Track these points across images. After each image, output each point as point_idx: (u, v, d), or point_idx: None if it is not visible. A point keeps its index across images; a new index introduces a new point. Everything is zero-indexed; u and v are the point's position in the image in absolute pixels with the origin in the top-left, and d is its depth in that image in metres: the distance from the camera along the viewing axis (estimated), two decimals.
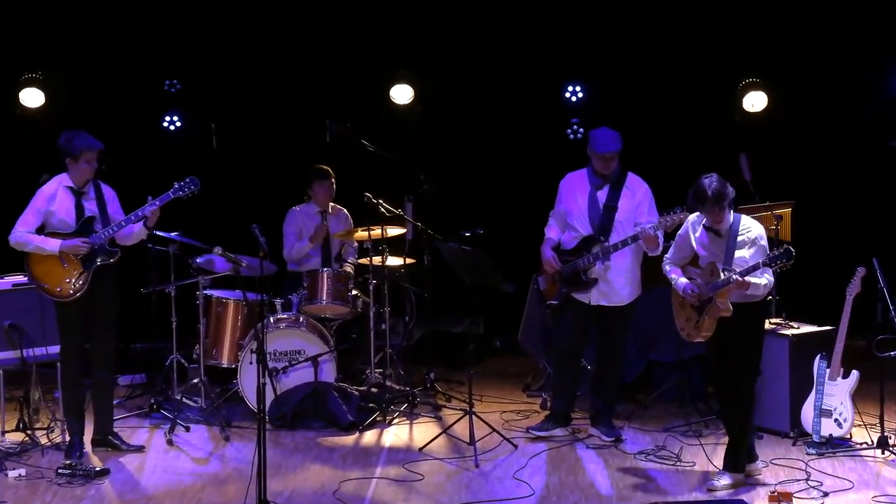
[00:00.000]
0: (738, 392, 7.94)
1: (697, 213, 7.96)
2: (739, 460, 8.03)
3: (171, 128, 11.49)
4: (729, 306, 7.71)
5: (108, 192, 8.68)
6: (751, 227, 7.82)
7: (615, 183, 8.87)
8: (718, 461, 8.33)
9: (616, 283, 8.84)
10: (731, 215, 7.81)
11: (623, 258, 8.81)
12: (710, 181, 7.70)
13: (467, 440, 8.79)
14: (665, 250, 8.43)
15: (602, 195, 8.87)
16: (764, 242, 7.82)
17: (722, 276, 7.66)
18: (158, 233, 9.32)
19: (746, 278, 7.58)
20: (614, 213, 8.82)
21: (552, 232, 9.06)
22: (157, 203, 8.52)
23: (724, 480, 7.98)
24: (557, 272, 8.88)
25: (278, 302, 9.85)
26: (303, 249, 10.30)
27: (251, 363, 9.23)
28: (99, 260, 8.49)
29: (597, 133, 8.89)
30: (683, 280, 7.96)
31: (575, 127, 11.77)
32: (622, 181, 8.89)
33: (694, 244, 7.95)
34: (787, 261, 7.52)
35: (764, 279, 7.67)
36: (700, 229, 7.91)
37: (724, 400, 8.14)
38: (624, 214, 8.82)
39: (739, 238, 7.77)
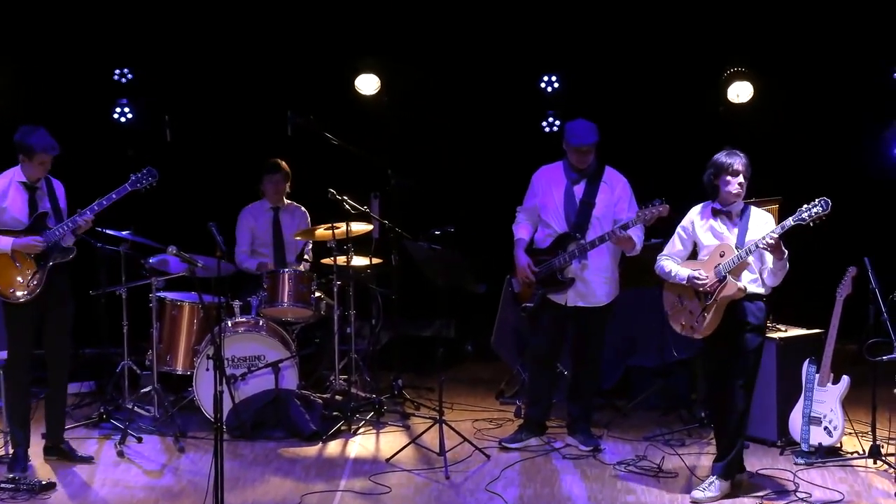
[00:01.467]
0: (739, 392, 7.96)
1: (703, 204, 7.98)
2: (732, 466, 8.04)
3: (122, 120, 11.45)
4: (743, 285, 7.75)
5: (59, 188, 8.64)
6: (762, 214, 7.97)
7: (592, 177, 8.88)
8: (702, 472, 8.34)
9: (593, 283, 8.85)
10: (742, 201, 7.90)
11: (601, 256, 8.81)
12: (731, 152, 7.89)
13: (437, 450, 8.79)
14: (652, 249, 8.43)
15: (579, 190, 8.87)
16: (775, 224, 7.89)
17: (735, 253, 7.74)
18: (109, 231, 9.27)
19: (776, 236, 7.59)
20: (591, 209, 8.82)
21: (523, 230, 9.04)
22: (115, 196, 8.50)
23: (710, 492, 7.99)
24: (533, 273, 8.88)
25: (236, 304, 9.81)
26: (249, 269, 10.29)
27: (207, 370, 9.20)
28: (53, 258, 8.44)
29: (572, 125, 8.89)
30: (686, 270, 7.96)
31: (551, 119, 11.78)
32: (599, 175, 8.90)
33: (700, 235, 7.96)
34: (825, 211, 7.55)
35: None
36: (708, 217, 7.94)
37: (719, 403, 8.12)
38: (602, 210, 8.83)
39: (751, 222, 7.85)
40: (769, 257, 7.76)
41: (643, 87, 11.65)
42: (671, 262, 8.08)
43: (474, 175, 11.95)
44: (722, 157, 7.89)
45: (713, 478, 8.04)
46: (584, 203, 8.83)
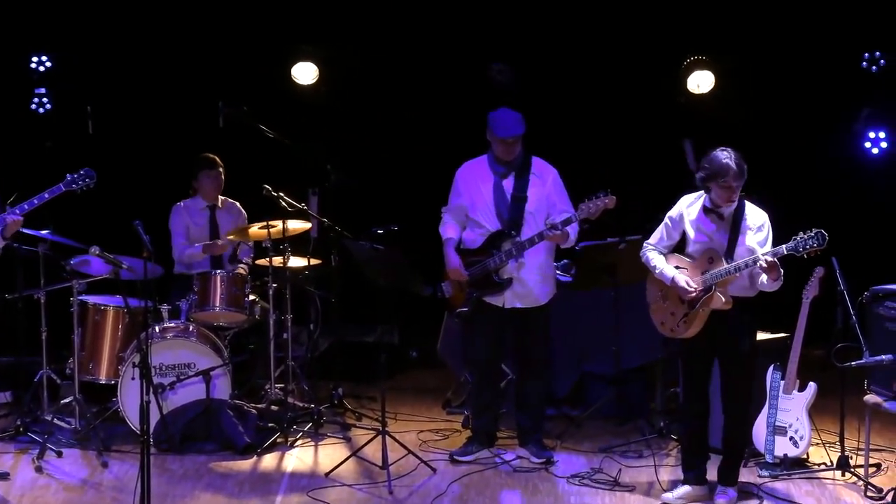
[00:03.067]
0: (738, 396, 8.00)
1: (696, 195, 7.97)
2: (735, 472, 8.13)
3: (40, 110, 11.36)
4: (729, 297, 7.77)
5: None
6: (756, 213, 7.90)
7: (521, 170, 8.88)
8: (662, 485, 8.36)
9: (531, 282, 8.85)
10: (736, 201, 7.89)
11: (537, 254, 8.82)
12: (731, 152, 7.76)
13: (380, 464, 8.76)
14: (606, 248, 8.44)
15: (508, 185, 8.87)
16: (770, 229, 7.86)
17: (724, 265, 7.70)
18: (26, 230, 9.18)
19: (774, 259, 7.58)
20: (524, 203, 8.82)
21: (451, 231, 9.02)
22: (47, 196, 8.48)
23: (679, 490, 8.08)
24: (464, 280, 8.88)
25: (165, 308, 9.75)
26: (194, 256, 10.23)
27: (133, 379, 9.16)
28: None
29: (497, 115, 8.89)
30: (671, 269, 7.95)
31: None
32: (528, 167, 8.90)
33: (689, 229, 7.96)
34: (819, 245, 7.49)
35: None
36: (698, 212, 7.94)
37: (694, 406, 8.13)
38: (535, 205, 8.83)
39: (744, 224, 7.82)
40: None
41: (598, 76, 11.68)
42: (657, 255, 8.06)
43: (419, 170, 11.93)
44: (718, 160, 7.75)
45: (721, 483, 8.11)
46: (516, 198, 8.83)
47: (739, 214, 7.85)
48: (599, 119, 11.75)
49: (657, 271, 8.02)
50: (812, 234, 7.47)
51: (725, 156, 7.74)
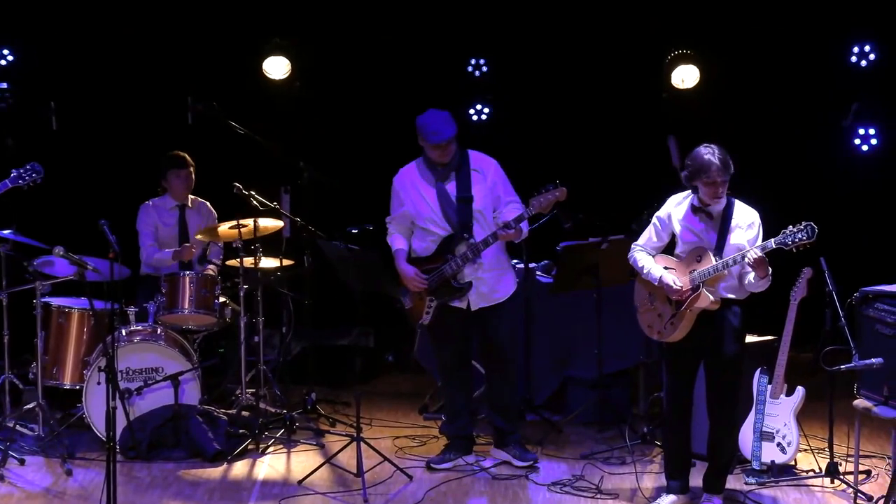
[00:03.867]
0: (724, 401, 8.00)
1: (684, 194, 7.98)
2: (721, 480, 8.13)
3: (2, 105, 11.29)
4: (718, 297, 7.77)
5: None
6: (746, 211, 7.91)
7: (460, 168, 8.86)
8: (644, 492, 8.38)
9: (492, 281, 8.86)
10: (725, 198, 7.87)
11: (489, 251, 8.80)
12: (714, 148, 7.77)
13: (354, 471, 8.75)
14: (589, 249, 8.44)
15: (451, 187, 8.84)
16: (761, 227, 7.86)
17: (713, 262, 7.72)
18: None
19: (762, 254, 7.58)
20: (471, 203, 8.80)
21: (398, 242, 8.99)
22: None
23: (663, 498, 8.10)
24: (424, 288, 8.89)
25: (131, 311, 9.73)
26: (163, 261, 10.21)
27: (99, 383, 9.13)
28: None
29: (425, 120, 8.83)
30: (659, 269, 7.95)
31: (479, 106, 11.79)
32: (466, 164, 8.88)
33: (678, 229, 7.97)
34: (808, 239, 7.49)
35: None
36: (686, 211, 7.94)
37: (677, 411, 8.14)
38: (481, 202, 8.81)
39: (733, 222, 7.83)
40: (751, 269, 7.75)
41: (580, 71, 11.69)
42: (645, 256, 8.07)
43: (395, 168, 11.91)
44: (700, 156, 7.77)
45: (711, 496, 8.12)
46: (462, 199, 8.80)
47: (728, 212, 7.86)
48: (580, 115, 11.75)
49: (645, 272, 8.03)
50: (801, 227, 7.48)
51: (707, 151, 7.76)
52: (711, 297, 7.77)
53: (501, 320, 8.95)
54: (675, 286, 7.84)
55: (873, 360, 8.11)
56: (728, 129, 11.59)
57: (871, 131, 11.72)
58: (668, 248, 8.11)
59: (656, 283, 7.94)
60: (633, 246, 8.18)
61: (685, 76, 11.40)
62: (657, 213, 8.10)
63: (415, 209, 8.89)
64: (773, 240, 7.59)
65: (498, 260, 8.88)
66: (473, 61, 11.86)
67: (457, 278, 8.80)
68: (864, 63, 11.64)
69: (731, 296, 7.87)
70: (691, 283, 7.81)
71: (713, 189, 7.76)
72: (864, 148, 11.76)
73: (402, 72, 11.82)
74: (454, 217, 8.80)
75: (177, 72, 11.51)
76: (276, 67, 11.51)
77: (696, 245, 7.87)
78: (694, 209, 7.91)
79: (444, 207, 8.82)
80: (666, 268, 7.96)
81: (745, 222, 7.86)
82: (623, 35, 11.56)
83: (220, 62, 11.54)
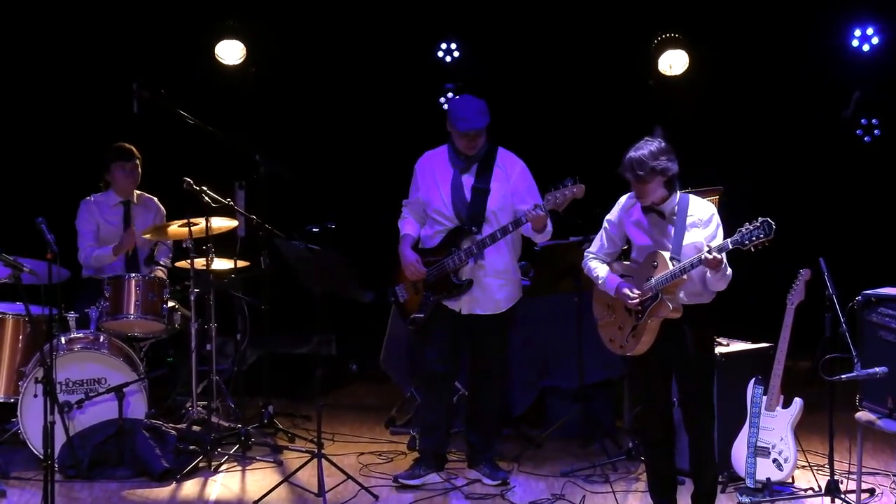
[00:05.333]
0: (699, 415, 7.98)
1: (631, 194, 7.96)
2: (709, 499, 8.10)
3: None
4: (679, 304, 7.74)
5: None
6: (701, 207, 7.87)
7: (484, 162, 8.88)
8: None
9: (491, 287, 8.85)
10: (678, 195, 7.82)
11: (499, 255, 8.81)
12: (641, 144, 7.73)
13: (315, 491, 8.74)
14: (568, 248, 8.43)
15: (469, 178, 8.87)
16: (719, 222, 7.84)
17: (670, 266, 7.68)
18: None
19: (720, 256, 7.55)
20: (486, 198, 8.82)
21: (409, 227, 9.05)
22: None
23: None
24: (422, 278, 8.87)
25: (72, 317, 9.70)
26: (103, 258, 10.18)
27: (36, 396, 9.04)
28: None
29: (457, 105, 8.88)
30: (615, 277, 7.94)
31: (450, 94, 11.79)
32: (492, 159, 8.90)
33: (629, 231, 7.94)
34: (766, 236, 7.48)
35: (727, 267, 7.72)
36: (637, 215, 7.91)
37: (653, 432, 8.13)
38: (498, 201, 8.82)
39: (689, 220, 7.79)
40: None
41: (559, 56, 11.69)
42: (598, 264, 8.05)
43: (360, 161, 11.92)
44: (628, 153, 7.78)
45: None
46: (478, 191, 8.82)
47: (683, 210, 7.83)
48: (559, 104, 11.76)
49: (599, 282, 8.00)
50: (758, 224, 7.47)
51: (633, 148, 7.74)
52: (671, 305, 7.73)
53: (495, 333, 8.96)
54: (632, 295, 7.80)
55: (877, 369, 8.11)
56: (719, 120, 11.62)
57: (875, 121, 11.73)
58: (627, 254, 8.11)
59: (612, 294, 7.90)
60: (585, 254, 8.16)
61: (673, 62, 11.42)
62: (607, 217, 8.08)
63: (427, 196, 8.94)
64: (729, 239, 7.57)
65: (505, 268, 8.88)
66: (444, 45, 11.87)
67: (457, 274, 8.80)
68: (866, 48, 11.66)
69: (693, 301, 7.82)
70: (649, 290, 7.76)
71: (634, 188, 7.74)
72: (867, 139, 11.78)
73: (367, 57, 11.80)
74: (464, 211, 8.82)
75: (120, 55, 11.47)
76: (230, 51, 11.51)
77: (651, 249, 7.83)
78: (644, 209, 7.88)
79: (455, 199, 8.83)
80: (623, 276, 7.93)
81: (702, 219, 7.82)
82: (606, 17, 11.57)
83: (168, 45, 11.52)
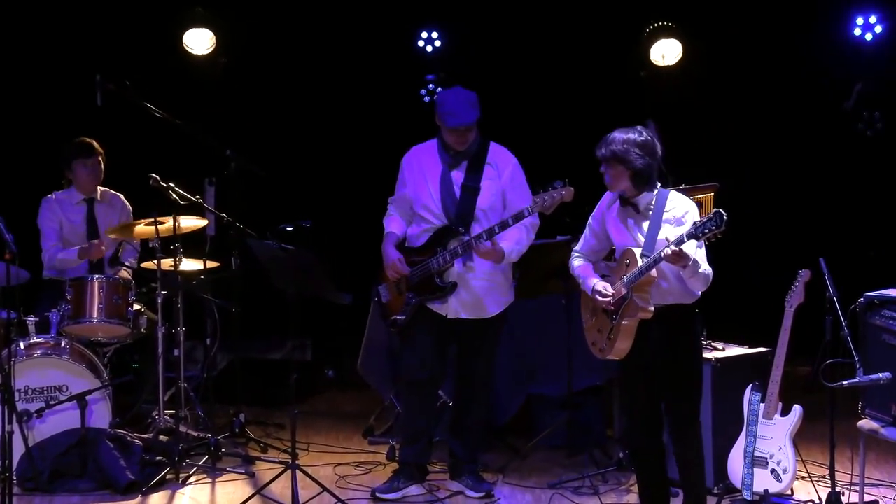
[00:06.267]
0: (683, 423, 7.97)
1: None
2: None
3: None
4: (649, 304, 7.72)
5: None
6: (678, 204, 7.85)
7: (475, 159, 8.87)
8: None
9: (480, 290, 8.84)
10: (656, 191, 7.82)
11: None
12: (626, 129, 7.75)
13: (289, 503, 8.72)
14: (556, 247, 8.43)
15: (458, 175, 8.86)
16: (696, 219, 7.82)
17: (640, 263, 7.67)
18: None
19: (682, 248, 7.53)
20: (475, 196, 8.82)
21: (394, 224, 9.04)
22: None
23: None
24: (405, 278, 8.85)
25: (31, 321, 9.66)
26: (68, 262, 10.17)
27: None
28: None
29: (445, 98, 8.86)
30: (593, 279, 7.95)
31: (431, 86, 11.79)
32: (483, 155, 8.90)
33: (608, 228, 7.93)
34: (718, 227, 7.48)
35: (705, 265, 7.69)
36: (616, 211, 7.91)
37: (642, 440, 8.13)
38: (488, 200, 8.82)
39: (665, 216, 7.78)
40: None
41: (546, 46, 11.69)
42: (582, 263, 8.06)
43: (336, 156, 11.90)
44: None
45: None
46: (466, 190, 8.82)
47: (659, 206, 7.83)
48: (547, 96, 11.76)
49: (580, 281, 8.02)
50: (710, 216, 7.48)
51: (622, 128, 7.79)
52: (641, 304, 7.71)
53: (483, 340, 8.96)
54: (603, 294, 7.79)
55: (880, 375, 8.12)
56: (714, 113, 11.63)
57: (877, 114, 11.74)
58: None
59: (590, 294, 7.91)
60: (572, 252, 8.17)
61: (666, 51, 11.44)
62: (592, 214, 8.10)
63: (414, 192, 8.93)
64: (684, 232, 7.56)
65: (494, 270, 8.86)
66: (425, 34, 11.86)
67: (442, 276, 8.78)
68: (868, 37, 11.67)
69: (673, 301, 7.80)
70: (621, 289, 7.75)
71: (607, 170, 7.76)
72: (869, 133, 11.78)
73: (344, 46, 11.79)
74: (453, 208, 8.81)
75: (83, 45, 11.45)
76: (199, 41, 11.51)
77: (627, 246, 7.83)
78: (622, 203, 7.88)
79: (444, 196, 8.82)
80: (604, 276, 7.93)
81: (677, 215, 7.79)
82: (595, 4, 11.56)
83: (133, 34, 11.50)
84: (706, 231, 7.48)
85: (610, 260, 8.11)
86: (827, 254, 8.54)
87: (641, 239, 7.78)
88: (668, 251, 7.53)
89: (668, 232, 7.74)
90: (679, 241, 7.55)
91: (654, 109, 10.68)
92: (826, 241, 7.77)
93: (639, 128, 7.80)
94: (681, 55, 11.42)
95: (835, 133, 11.88)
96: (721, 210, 7.43)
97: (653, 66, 11.43)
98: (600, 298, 7.80)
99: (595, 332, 7.98)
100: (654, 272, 7.63)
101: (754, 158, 11.52)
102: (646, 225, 7.80)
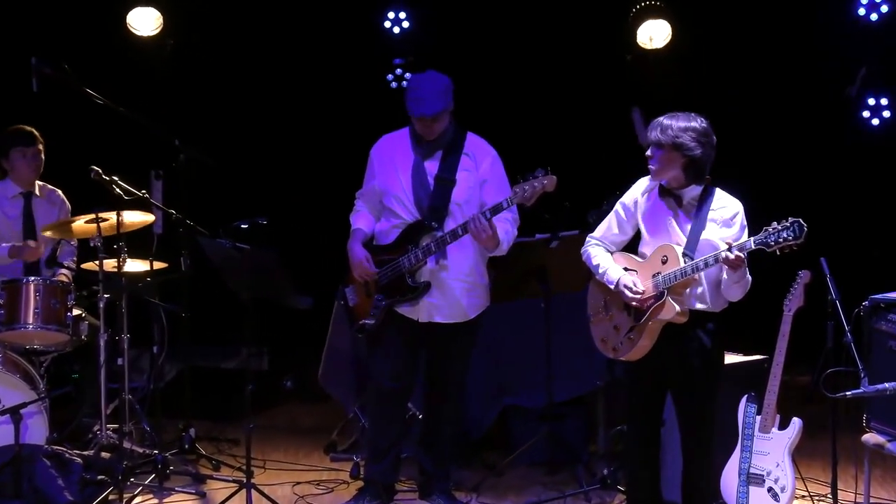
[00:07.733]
0: (698, 437, 8.01)
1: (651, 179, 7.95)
2: None
3: None
4: (686, 308, 7.72)
5: None
6: (727, 203, 7.88)
7: (450, 148, 8.85)
8: None
9: (455, 291, 8.81)
10: (703, 186, 7.82)
11: (465, 256, 8.78)
12: (681, 114, 7.78)
13: None
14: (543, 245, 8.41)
15: (432, 166, 8.84)
16: (744, 223, 7.82)
17: (681, 263, 7.66)
18: None
19: (742, 255, 7.53)
20: (451, 188, 8.78)
21: (362, 220, 9.01)
22: None
23: None
24: (373, 279, 8.83)
25: None
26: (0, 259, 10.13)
27: None
28: None
29: (413, 83, 8.84)
30: (618, 269, 7.92)
31: (399, 71, 11.79)
32: (459, 145, 8.87)
33: (641, 219, 7.92)
34: (795, 239, 7.47)
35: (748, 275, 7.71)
36: (655, 197, 7.88)
37: (641, 450, 8.12)
38: (464, 193, 8.79)
39: (711, 214, 7.77)
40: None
41: (525, 26, 11.69)
42: (601, 252, 8.04)
43: (296, 147, 11.89)
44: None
45: None
46: (441, 181, 8.78)
47: (705, 202, 7.83)
48: (525, 82, 11.76)
49: (600, 272, 8.00)
50: (787, 224, 7.47)
51: (673, 114, 7.80)
52: (677, 308, 7.72)
53: (456, 344, 8.93)
54: (634, 289, 7.78)
55: (886, 385, 8.10)
56: (706, 100, 11.59)
57: (884, 101, 11.76)
58: (633, 245, 8.07)
59: (612, 287, 7.88)
60: (587, 238, 8.15)
61: (654, 33, 11.46)
62: (622, 199, 8.07)
63: (384, 184, 8.88)
64: (752, 239, 7.56)
65: (472, 270, 8.83)
66: (392, 14, 11.87)
67: (414, 276, 8.75)
68: (874, 17, 11.68)
69: (702, 307, 7.81)
70: (654, 288, 7.75)
71: (649, 160, 7.75)
72: (875, 122, 11.81)
73: (303, 28, 11.78)
74: (426, 201, 8.77)
75: (17, 25, 11.41)
76: (144, 21, 11.51)
77: (663, 241, 7.82)
78: (661, 193, 7.87)
79: (416, 188, 8.78)
80: (626, 268, 7.91)
81: (724, 216, 7.81)
82: None
83: (73, 13, 11.47)
84: (780, 240, 7.47)
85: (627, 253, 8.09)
86: (828, 254, 8.54)
87: (681, 236, 7.77)
88: (730, 255, 7.51)
89: (714, 233, 7.74)
90: (743, 248, 7.53)
91: (640, 96, 10.69)
92: (827, 239, 7.75)
93: (694, 114, 7.78)
94: (670, 37, 11.44)
95: (837, 122, 11.89)
96: (801, 220, 7.42)
97: (639, 48, 11.46)
98: (630, 294, 7.78)
99: (608, 329, 7.97)
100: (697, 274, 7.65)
101: (750, 151, 11.53)
102: (688, 221, 7.79)
